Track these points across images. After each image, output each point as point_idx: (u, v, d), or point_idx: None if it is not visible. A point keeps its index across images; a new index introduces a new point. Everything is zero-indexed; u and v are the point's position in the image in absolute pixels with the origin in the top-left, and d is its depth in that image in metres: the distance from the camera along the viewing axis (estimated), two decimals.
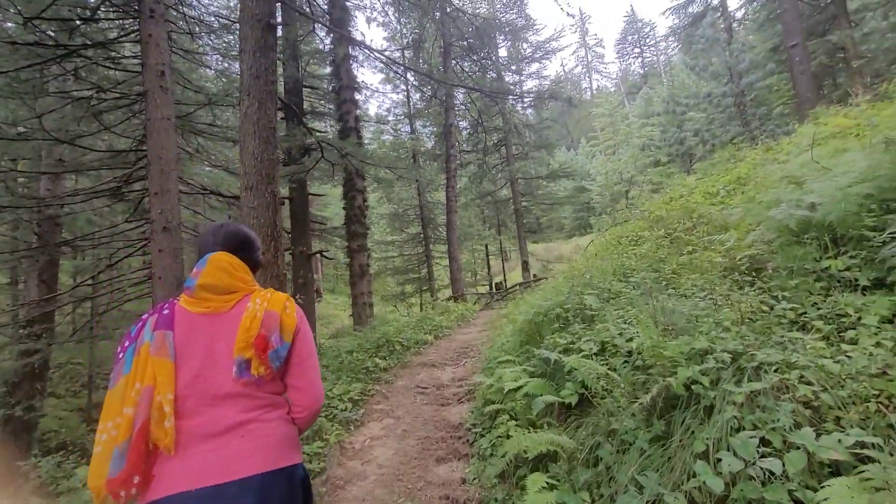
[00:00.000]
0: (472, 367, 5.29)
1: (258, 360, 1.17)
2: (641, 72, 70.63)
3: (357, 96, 10.65)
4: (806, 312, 2.37)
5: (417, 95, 21.03)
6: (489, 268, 28.87)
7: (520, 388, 3.20)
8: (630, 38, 73.14)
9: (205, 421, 1.13)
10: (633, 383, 2.27)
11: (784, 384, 1.79)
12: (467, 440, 3.47)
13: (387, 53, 13.30)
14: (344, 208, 10.05)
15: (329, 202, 26.60)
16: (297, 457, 1.24)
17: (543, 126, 23.10)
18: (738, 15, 19.17)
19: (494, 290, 25.33)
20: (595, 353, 2.90)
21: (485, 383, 3.74)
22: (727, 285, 2.95)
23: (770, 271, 2.73)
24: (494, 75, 18.54)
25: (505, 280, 27.15)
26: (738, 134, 12.02)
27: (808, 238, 2.64)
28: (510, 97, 22.08)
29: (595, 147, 42.46)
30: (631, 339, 2.43)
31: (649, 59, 71.99)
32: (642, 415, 2.03)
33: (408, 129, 22.06)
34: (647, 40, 71.93)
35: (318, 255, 12.88)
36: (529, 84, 26.23)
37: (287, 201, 10.89)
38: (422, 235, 20.78)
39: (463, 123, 20.62)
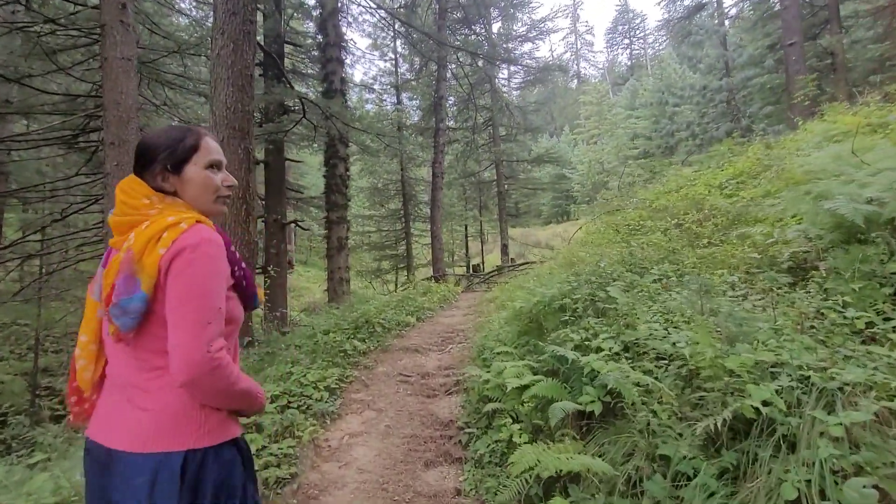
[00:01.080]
0: (459, 355, 4.90)
1: (108, 317, 0.96)
2: (629, 63, 70.68)
3: (344, 57, 9.87)
4: (873, 322, 2.05)
5: (405, 67, 20.09)
6: (467, 249, 28.57)
7: (525, 387, 2.82)
8: (620, 27, 72.69)
9: (111, 369, 1.05)
10: (680, 396, 1.90)
11: (890, 413, 1.45)
12: (459, 441, 3.08)
13: (380, 13, 12.39)
14: (325, 176, 9.39)
15: (307, 171, 25.53)
16: (184, 441, 0.93)
17: (531, 109, 22.60)
18: (733, 12, 19.01)
19: (472, 271, 25.14)
20: (617, 354, 2.53)
21: (479, 376, 3.35)
22: (768, 285, 2.62)
23: (823, 272, 2.39)
24: (488, 48, 17.83)
25: (483, 262, 26.96)
26: (730, 130, 11.90)
27: (872, 237, 2.31)
28: (500, 74, 21.45)
29: (579, 135, 42.28)
30: (676, 344, 2.05)
31: (637, 51, 72.02)
32: (699, 440, 1.67)
33: (393, 100, 21.13)
34: (637, 31, 71.71)
35: (293, 225, 12.22)
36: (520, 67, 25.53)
37: (263, 166, 10.14)
38: (402, 211, 20.15)
39: (451, 100, 19.87)
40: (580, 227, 10.36)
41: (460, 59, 14.79)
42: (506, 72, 27.02)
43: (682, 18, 23.12)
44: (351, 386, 3.99)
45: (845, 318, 2.07)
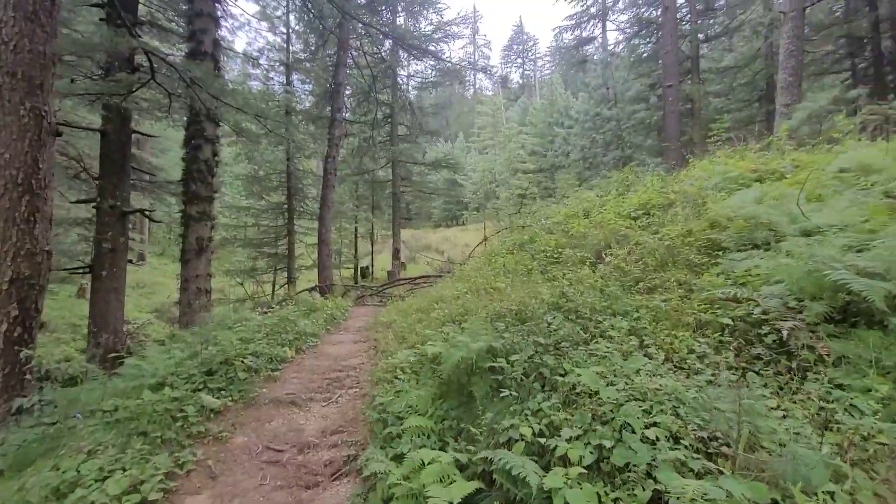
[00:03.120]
0: (352, 408, 3.85)
1: None
2: (520, 81, 75.77)
3: (220, 15, 8.00)
4: None
5: (300, 46, 17.97)
6: (356, 250, 27.04)
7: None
8: (515, 47, 77.36)
9: None
10: None
11: None
12: None
13: None
14: (184, 159, 7.45)
15: (169, 147, 21.56)
16: None
17: (430, 111, 22.14)
18: (618, 49, 20.87)
19: (361, 275, 23.75)
20: (595, 469, 1.79)
21: (385, 472, 2.39)
22: (745, 363, 2.15)
23: (827, 357, 1.96)
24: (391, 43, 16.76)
25: (372, 265, 25.76)
26: (616, 158, 12.73)
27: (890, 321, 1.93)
28: (400, 72, 20.48)
29: (473, 144, 43.47)
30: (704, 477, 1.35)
31: (528, 72, 77.55)
32: None
33: (283, 79, 18.78)
34: (530, 53, 77.08)
35: (141, 215, 9.83)
36: (425, 65, 24.94)
37: (99, 136, 7.76)
38: (285, 206, 17.97)
39: (347, 90, 18.33)
40: (483, 241, 9.95)
41: (363, 47, 13.51)
42: (405, 71, 26.17)
43: (571, 48, 24.89)
44: (188, 480, 2.69)
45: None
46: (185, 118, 7.30)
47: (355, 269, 23.73)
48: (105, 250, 7.69)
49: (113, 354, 7.93)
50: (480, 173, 34.16)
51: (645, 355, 2.51)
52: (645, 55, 18.29)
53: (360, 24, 10.38)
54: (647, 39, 16.83)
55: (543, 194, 34.54)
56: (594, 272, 4.13)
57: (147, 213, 10.22)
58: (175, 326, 9.09)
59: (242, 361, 4.27)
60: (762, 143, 6.79)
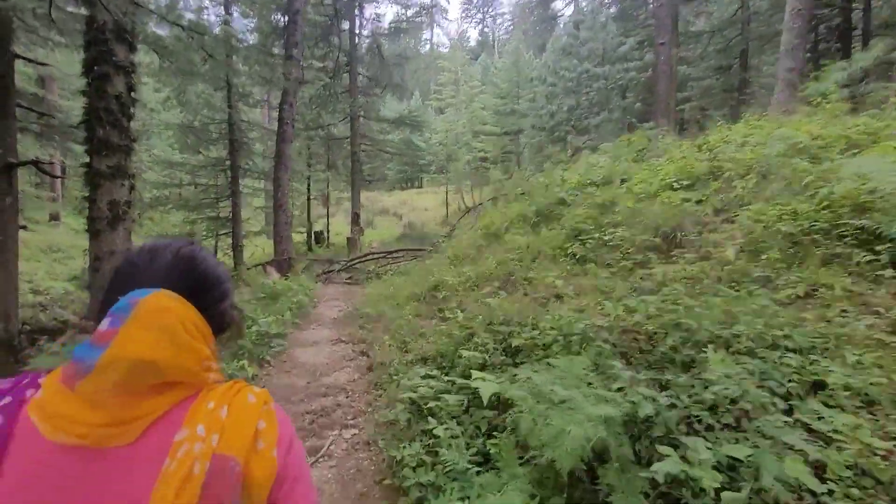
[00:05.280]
0: (355, 467, 2.59)
1: None
2: (479, 39, 72.79)
3: None
4: None
5: None
6: (309, 213, 24.80)
7: None
8: (476, 2, 73.64)
9: None
10: None
11: None
12: None
13: None
14: (84, 94, 5.46)
15: (72, 83, 17.96)
16: None
17: (393, 63, 19.90)
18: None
19: (315, 241, 21.82)
20: None
21: None
22: None
23: None
24: None
25: (328, 230, 23.82)
26: (607, 120, 11.73)
27: None
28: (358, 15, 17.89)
29: (432, 103, 41.15)
30: None
31: (487, 30, 74.56)
32: None
33: (219, 11, 15.79)
34: (490, 9, 73.76)
35: (37, 168, 7.76)
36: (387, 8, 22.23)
37: None
38: (227, 162, 15.53)
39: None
40: (467, 210, 8.65)
41: None
42: (368, 12, 23.25)
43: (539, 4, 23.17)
44: None
45: None
46: (84, 35, 5.24)
47: (308, 234, 21.76)
48: None
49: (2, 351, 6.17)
50: (442, 134, 32.35)
51: None
52: (632, 12, 17.09)
53: None
54: None
55: (505, 159, 33.49)
56: (702, 271, 3.00)
57: (42, 164, 8.00)
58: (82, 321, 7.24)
59: None
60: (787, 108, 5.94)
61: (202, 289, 0.66)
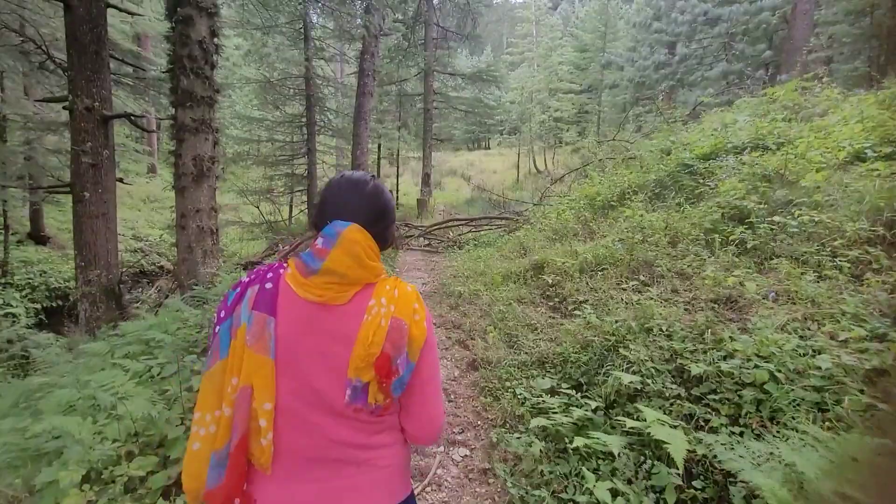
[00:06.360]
0: (473, 501, 2.06)
1: (378, 386, 0.88)
2: None
3: None
4: None
5: None
6: (379, 171, 24.64)
7: None
8: None
9: (314, 443, 0.88)
10: None
11: None
12: None
13: None
14: (168, 39, 5.14)
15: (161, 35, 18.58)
16: (410, 484, 1.03)
17: (472, 11, 18.41)
18: None
19: None
20: None
21: None
22: None
23: None
24: None
25: (397, 190, 23.60)
26: (730, 72, 9.89)
27: None
28: None
29: (509, 57, 38.69)
30: None
31: None
32: None
33: None
34: None
35: (129, 122, 7.79)
36: None
37: (63, 8, 5.45)
38: (303, 119, 15.43)
39: None
40: (563, 174, 7.67)
41: None
42: None
43: None
44: None
45: None
46: None
47: None
48: (85, 166, 5.76)
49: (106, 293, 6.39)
50: (516, 92, 30.39)
51: None
52: None
53: None
54: None
55: (581, 119, 30.91)
56: None
57: (136, 118, 8.06)
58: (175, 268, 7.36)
59: None
60: None
61: (381, 216, 0.97)
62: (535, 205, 7.56)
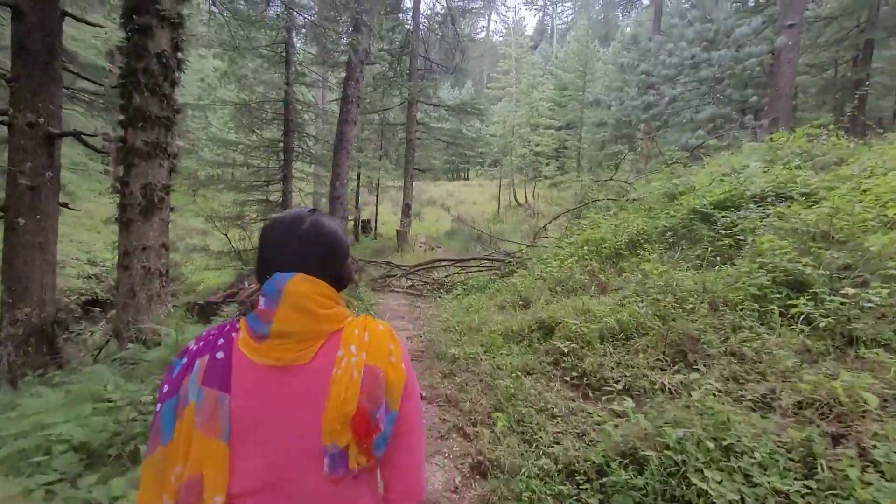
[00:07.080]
0: None
1: (358, 447, 0.75)
2: (536, 27, 70.22)
3: None
4: None
5: None
6: (357, 200, 24.00)
7: None
8: None
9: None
10: None
11: None
12: None
13: None
14: (121, 51, 4.46)
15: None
16: None
17: (457, 45, 18.44)
18: None
19: (361, 230, 20.93)
20: None
21: None
22: None
23: None
24: None
25: (376, 220, 22.97)
26: (717, 116, 9.85)
27: None
28: None
29: (490, 91, 39.39)
30: None
31: (547, 17, 71.86)
32: None
33: None
34: None
35: (77, 140, 6.96)
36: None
37: (10, 12, 4.73)
38: (281, 144, 14.76)
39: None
40: (558, 215, 7.19)
41: None
42: None
43: None
44: None
45: None
46: None
47: (356, 222, 20.87)
48: (22, 188, 4.94)
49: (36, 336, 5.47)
50: (498, 125, 30.69)
51: None
52: None
53: None
54: None
55: (561, 155, 31.31)
56: None
57: (88, 136, 7.21)
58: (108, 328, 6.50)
59: None
60: None
61: (330, 256, 0.85)
62: (528, 246, 7.02)
